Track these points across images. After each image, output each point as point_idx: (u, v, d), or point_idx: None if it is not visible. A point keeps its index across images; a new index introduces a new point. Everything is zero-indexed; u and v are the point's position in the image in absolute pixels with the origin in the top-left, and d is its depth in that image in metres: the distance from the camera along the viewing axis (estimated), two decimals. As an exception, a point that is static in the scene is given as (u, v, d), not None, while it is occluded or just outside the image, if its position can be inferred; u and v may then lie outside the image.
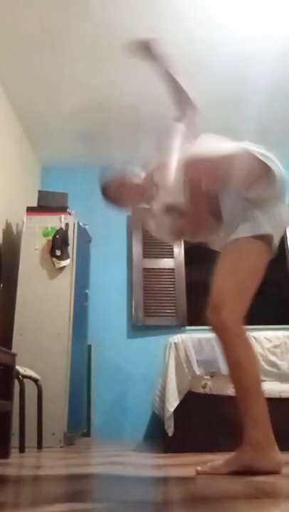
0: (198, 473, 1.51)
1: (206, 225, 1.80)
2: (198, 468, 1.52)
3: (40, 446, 2.84)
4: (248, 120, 4.02)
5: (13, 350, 3.03)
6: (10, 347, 3.19)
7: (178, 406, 2.56)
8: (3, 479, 1.56)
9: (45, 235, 3.56)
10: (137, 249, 4.35)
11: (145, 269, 4.28)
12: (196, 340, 2.72)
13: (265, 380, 2.66)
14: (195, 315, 4.54)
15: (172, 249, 4.25)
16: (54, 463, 2.09)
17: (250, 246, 1.61)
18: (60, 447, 3.00)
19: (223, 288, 1.60)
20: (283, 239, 4.52)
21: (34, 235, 3.57)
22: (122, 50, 3.35)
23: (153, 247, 4.31)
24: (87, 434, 3.81)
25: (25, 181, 4.31)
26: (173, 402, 2.56)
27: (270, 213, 1.66)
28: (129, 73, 3.54)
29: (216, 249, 1.77)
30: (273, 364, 2.67)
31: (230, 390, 2.64)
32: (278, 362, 2.67)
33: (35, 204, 3.82)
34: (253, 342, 2.73)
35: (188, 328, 4.13)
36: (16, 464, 2.08)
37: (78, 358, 3.51)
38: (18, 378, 2.67)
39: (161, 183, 1.79)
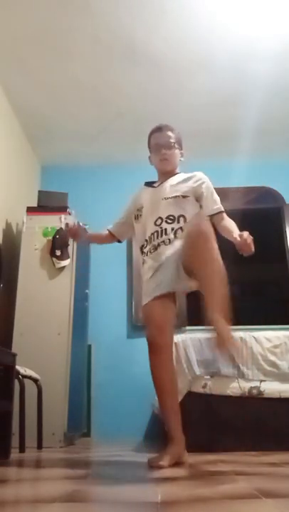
0: (159, 466, 1.75)
1: None
2: (160, 463, 1.78)
3: (40, 446, 2.84)
4: (248, 120, 4.03)
5: (13, 350, 3.03)
6: (10, 347, 3.18)
7: (178, 406, 2.56)
8: (3, 479, 1.56)
9: (45, 235, 3.56)
10: (137, 249, 4.34)
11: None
12: (196, 340, 2.72)
13: (265, 380, 2.66)
14: (195, 315, 4.53)
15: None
16: (54, 463, 2.09)
17: None
18: (60, 447, 3.00)
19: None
20: (283, 239, 4.52)
21: (34, 235, 3.57)
22: (122, 50, 3.36)
23: (153, 247, 4.31)
24: (87, 434, 3.81)
25: (25, 181, 4.31)
26: (173, 402, 2.56)
27: None
28: (129, 73, 3.54)
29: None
30: (273, 364, 2.67)
31: (230, 390, 2.65)
32: (278, 362, 2.67)
33: (35, 204, 3.82)
34: (253, 342, 2.74)
35: (188, 328, 4.13)
36: (16, 464, 2.08)
37: (78, 358, 3.50)
38: (18, 378, 2.67)
39: None
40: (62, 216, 3.64)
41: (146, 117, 4.03)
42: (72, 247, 3.57)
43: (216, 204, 2.24)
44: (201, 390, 2.64)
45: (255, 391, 2.63)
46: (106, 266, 4.29)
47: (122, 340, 4.11)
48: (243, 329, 3.06)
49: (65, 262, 3.47)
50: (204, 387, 2.64)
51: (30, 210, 3.73)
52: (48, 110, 3.99)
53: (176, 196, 2.20)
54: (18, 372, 2.63)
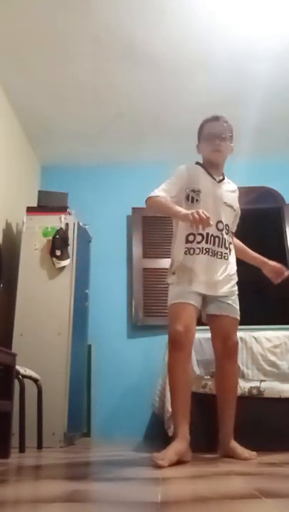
0: (159, 466, 1.74)
1: None
2: (159, 462, 1.77)
3: (40, 446, 2.84)
4: (248, 120, 4.02)
5: (13, 350, 3.03)
6: (10, 347, 3.18)
7: (178, 406, 2.56)
8: (3, 479, 1.56)
9: (45, 235, 3.56)
10: (137, 249, 4.35)
11: (145, 269, 4.28)
12: (196, 340, 2.71)
13: (265, 380, 2.66)
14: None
15: (172, 249, 4.24)
16: (54, 463, 2.09)
17: None
18: (60, 447, 3.00)
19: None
20: (283, 239, 4.51)
21: (34, 235, 3.57)
22: (122, 50, 3.36)
23: (153, 247, 4.31)
24: (87, 434, 3.81)
25: (25, 181, 4.31)
26: (173, 402, 2.56)
27: None
28: (129, 73, 3.54)
29: None
30: (273, 364, 2.67)
31: (230, 390, 2.64)
32: (278, 362, 2.67)
33: (35, 204, 3.82)
34: (253, 342, 2.73)
35: (188, 328, 4.13)
36: (15, 464, 2.08)
37: (78, 358, 3.50)
38: (18, 378, 2.67)
39: None
40: (62, 216, 3.64)
41: (147, 117, 4.04)
42: (72, 247, 3.57)
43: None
44: (201, 390, 2.63)
45: (255, 391, 2.62)
46: (106, 266, 4.29)
47: (122, 340, 4.11)
48: (243, 329, 3.06)
49: (65, 262, 3.47)
50: (204, 387, 2.64)
51: (30, 210, 3.72)
52: (48, 110, 3.99)
53: (231, 207, 2.25)
54: (18, 372, 2.63)
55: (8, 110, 3.85)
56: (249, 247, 2.57)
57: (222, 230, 2.17)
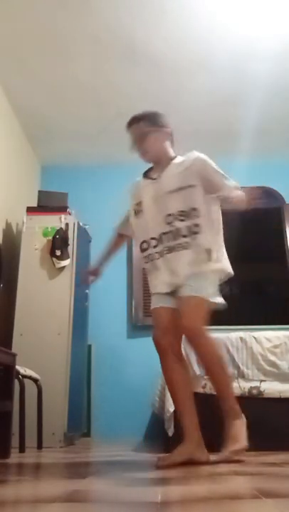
0: (158, 467, 1.76)
1: None
2: (159, 463, 1.81)
3: (40, 446, 2.84)
4: (248, 120, 4.02)
5: (13, 350, 3.03)
6: (10, 347, 3.18)
7: (178, 406, 2.56)
8: (3, 479, 1.56)
9: (45, 235, 3.56)
10: (137, 249, 4.34)
11: (145, 269, 4.27)
12: (196, 340, 2.72)
13: (265, 380, 2.66)
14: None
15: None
16: (54, 463, 2.09)
17: None
18: (60, 447, 3.00)
19: None
20: (283, 239, 4.51)
21: (34, 235, 3.57)
22: (122, 50, 3.36)
23: (153, 247, 4.31)
24: (87, 434, 3.80)
25: (25, 181, 4.31)
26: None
27: None
28: (129, 73, 3.54)
29: None
30: (273, 364, 2.67)
31: (230, 390, 2.65)
32: (278, 362, 2.67)
33: (35, 204, 3.82)
34: (253, 342, 2.73)
35: (188, 328, 4.12)
36: (15, 464, 2.08)
37: (78, 358, 3.50)
38: (18, 378, 2.67)
39: None
40: (62, 216, 3.64)
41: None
42: (72, 247, 3.57)
43: (229, 180, 2.11)
44: (201, 390, 2.63)
45: (255, 391, 2.62)
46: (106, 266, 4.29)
47: (122, 340, 4.11)
48: (243, 329, 3.06)
49: (65, 262, 3.47)
50: (204, 387, 2.64)
51: (30, 210, 3.72)
52: (48, 110, 3.99)
53: (181, 188, 2.05)
54: (18, 372, 2.63)
55: (8, 110, 3.85)
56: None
57: (172, 222, 2.03)
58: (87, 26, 3.12)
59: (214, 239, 2.09)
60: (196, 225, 2.02)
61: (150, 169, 2.26)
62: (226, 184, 2.08)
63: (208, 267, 2.02)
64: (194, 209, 2.03)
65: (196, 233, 2.02)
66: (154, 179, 2.16)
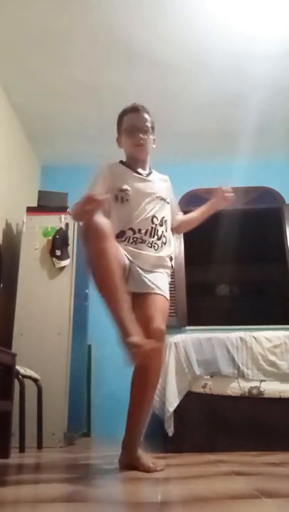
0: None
1: None
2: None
3: (40, 446, 2.84)
4: (248, 120, 4.03)
5: (13, 350, 3.03)
6: (10, 347, 3.18)
7: (178, 406, 2.56)
8: (3, 479, 1.56)
9: (45, 234, 3.56)
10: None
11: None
12: (196, 340, 2.72)
13: (265, 380, 2.66)
14: (195, 315, 4.54)
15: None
16: (54, 463, 2.09)
17: None
18: (60, 447, 3.00)
19: None
20: (283, 239, 4.52)
21: (34, 234, 3.57)
22: (122, 50, 3.36)
23: (153, 247, 4.30)
24: (87, 434, 3.81)
25: (25, 181, 4.31)
26: (173, 402, 2.56)
27: None
28: (129, 73, 3.55)
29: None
30: (273, 364, 2.67)
31: (230, 390, 2.65)
32: (278, 362, 2.67)
33: (35, 204, 3.82)
34: (253, 342, 2.74)
35: (188, 328, 4.13)
36: (15, 464, 2.08)
37: (78, 358, 3.50)
38: (18, 378, 2.67)
39: None
40: (62, 216, 3.64)
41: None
42: (72, 247, 3.57)
43: (179, 213, 2.29)
44: (201, 390, 2.64)
45: (255, 391, 2.62)
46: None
47: (122, 340, 4.11)
48: (243, 329, 3.06)
49: (65, 262, 3.47)
50: (204, 387, 2.64)
51: (30, 210, 3.72)
52: (48, 110, 3.99)
53: (163, 199, 2.11)
54: (18, 372, 2.63)
55: (8, 110, 3.85)
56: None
57: (155, 225, 2.02)
58: (87, 26, 3.12)
59: (172, 252, 2.15)
60: (165, 236, 2.07)
61: (125, 162, 2.21)
62: (176, 217, 2.25)
63: (168, 272, 2.09)
64: (166, 222, 2.09)
65: (164, 243, 2.06)
66: (142, 176, 2.12)
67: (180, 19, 3.06)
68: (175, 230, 2.28)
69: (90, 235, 1.70)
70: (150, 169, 2.20)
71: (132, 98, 3.83)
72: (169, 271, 2.10)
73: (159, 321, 1.83)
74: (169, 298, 2.03)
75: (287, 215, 4.52)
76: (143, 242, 1.99)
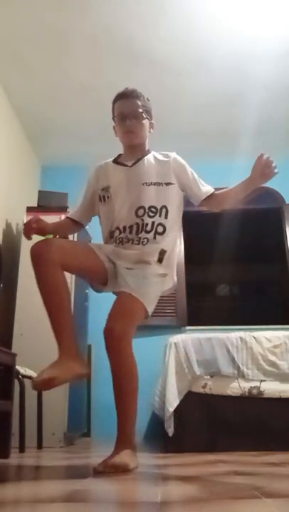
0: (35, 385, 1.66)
1: None
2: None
3: (40, 446, 2.84)
4: (248, 120, 4.03)
5: (13, 350, 3.03)
6: (10, 347, 3.18)
7: (178, 406, 2.57)
8: (3, 479, 1.56)
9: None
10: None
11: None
12: (196, 340, 2.72)
13: (265, 380, 2.66)
14: (195, 315, 4.54)
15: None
16: (54, 463, 2.09)
17: None
18: (60, 447, 3.00)
19: None
20: (283, 239, 4.52)
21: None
22: (121, 50, 3.36)
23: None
24: (87, 434, 3.80)
25: (25, 181, 4.31)
26: (173, 402, 2.56)
27: None
28: (129, 73, 3.54)
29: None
30: (273, 364, 2.67)
31: (230, 390, 2.65)
32: (278, 362, 2.67)
33: (35, 204, 3.82)
34: (253, 342, 2.74)
35: (188, 328, 4.13)
36: (15, 464, 2.08)
37: (78, 358, 3.50)
38: (18, 378, 2.67)
39: None
40: (63, 216, 3.63)
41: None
42: (72, 247, 3.56)
43: (205, 185, 2.05)
44: (201, 390, 2.64)
45: (255, 391, 2.63)
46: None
47: (122, 340, 4.11)
48: (243, 329, 3.06)
49: (65, 262, 3.46)
50: (204, 387, 2.64)
51: (30, 210, 3.72)
52: (48, 110, 3.99)
53: (159, 183, 1.95)
54: (18, 372, 2.63)
55: (8, 110, 3.86)
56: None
57: (142, 215, 1.90)
58: (87, 26, 3.12)
59: (171, 244, 1.96)
60: (162, 225, 1.92)
61: (120, 156, 2.13)
62: (199, 194, 2.03)
63: (155, 270, 1.89)
64: (165, 208, 1.94)
65: (158, 233, 1.91)
66: (127, 166, 2.03)
67: (180, 19, 3.06)
68: (209, 205, 2.07)
69: (31, 259, 1.90)
70: (145, 153, 2.07)
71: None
72: (156, 266, 1.89)
73: (113, 322, 1.75)
74: (142, 296, 1.80)
75: (287, 215, 4.52)
76: (128, 241, 1.91)
